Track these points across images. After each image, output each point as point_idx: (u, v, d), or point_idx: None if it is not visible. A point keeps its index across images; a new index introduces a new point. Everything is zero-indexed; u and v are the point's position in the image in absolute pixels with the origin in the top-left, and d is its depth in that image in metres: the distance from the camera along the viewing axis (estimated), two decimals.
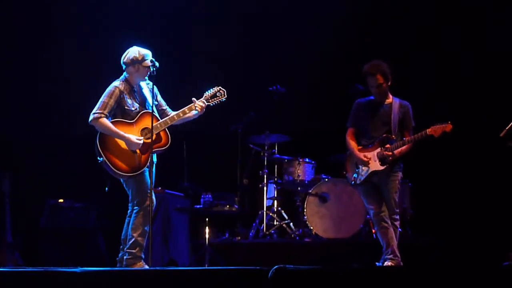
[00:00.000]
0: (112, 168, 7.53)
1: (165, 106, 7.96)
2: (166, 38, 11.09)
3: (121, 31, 10.73)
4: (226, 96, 7.91)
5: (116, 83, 7.74)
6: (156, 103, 7.84)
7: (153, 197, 7.66)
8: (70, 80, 11.10)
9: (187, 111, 7.78)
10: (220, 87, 7.92)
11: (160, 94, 7.92)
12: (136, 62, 7.71)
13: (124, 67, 7.81)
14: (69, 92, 11.05)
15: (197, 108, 7.77)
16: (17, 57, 11.20)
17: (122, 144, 7.59)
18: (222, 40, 11.64)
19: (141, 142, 7.56)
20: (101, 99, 7.64)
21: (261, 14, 11.44)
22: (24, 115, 11.22)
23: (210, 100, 7.87)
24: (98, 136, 7.58)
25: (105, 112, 7.57)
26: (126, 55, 7.78)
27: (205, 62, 11.59)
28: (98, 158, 7.57)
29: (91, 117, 7.57)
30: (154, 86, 7.79)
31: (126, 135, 7.55)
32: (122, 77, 7.81)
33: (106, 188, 7.71)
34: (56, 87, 11.16)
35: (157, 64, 7.63)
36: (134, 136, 7.58)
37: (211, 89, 7.91)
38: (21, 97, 11.24)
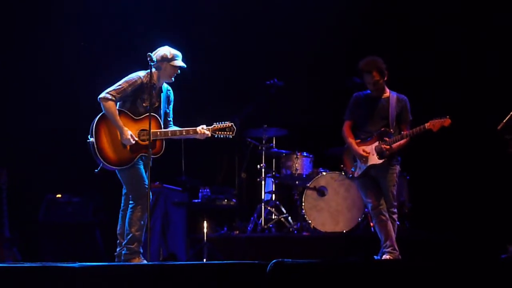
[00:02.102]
0: (97, 152, 7.48)
1: (171, 117, 7.95)
2: (163, 31, 11.05)
3: (118, 27, 10.74)
4: (234, 135, 7.87)
5: (142, 73, 7.67)
6: (166, 110, 7.85)
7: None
8: (68, 74, 11.07)
9: (191, 133, 7.76)
10: (232, 124, 7.86)
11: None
12: (165, 60, 7.66)
13: (154, 63, 7.69)
14: (68, 87, 11.03)
15: (199, 133, 7.74)
16: (14, 52, 11.16)
17: (116, 133, 7.55)
18: (219, 34, 11.62)
19: (133, 142, 7.52)
20: (120, 82, 7.59)
21: (259, 8, 11.42)
22: (22, 110, 11.19)
23: (217, 132, 7.83)
24: (99, 116, 7.56)
25: (118, 96, 7.52)
26: (156, 52, 7.71)
27: (203, 57, 11.56)
28: (89, 137, 7.54)
29: (103, 95, 7.51)
30: (171, 94, 7.86)
31: (125, 128, 7.52)
32: (148, 69, 7.65)
33: (96, 170, 7.65)
34: (54, 81, 11.15)
35: (154, 58, 7.58)
36: (131, 133, 7.55)
37: (223, 122, 7.85)
38: (18, 92, 11.21)
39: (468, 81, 10.94)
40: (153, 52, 7.71)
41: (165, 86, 7.85)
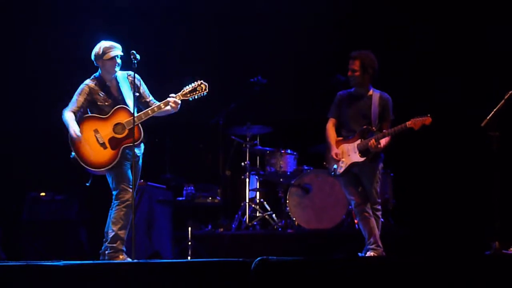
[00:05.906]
0: (82, 164, 7.56)
1: (149, 97, 7.85)
2: (146, 30, 11.04)
3: (99, 25, 10.70)
4: (207, 90, 7.70)
5: (87, 80, 7.75)
6: (137, 94, 7.73)
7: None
8: (50, 71, 11.03)
9: (162, 107, 7.64)
10: (202, 81, 7.71)
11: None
12: (98, 57, 7.67)
13: (95, 63, 7.76)
14: (49, 85, 10.98)
15: (171, 104, 7.63)
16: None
17: (92, 138, 7.58)
18: (203, 31, 11.60)
19: (79, 137, 7.50)
20: (73, 99, 7.69)
21: (243, 4, 11.40)
22: (4, 107, 11.13)
23: (188, 95, 7.68)
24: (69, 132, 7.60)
25: (73, 109, 7.61)
26: (92, 52, 7.74)
27: (186, 53, 11.56)
28: (72, 153, 7.60)
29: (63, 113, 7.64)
30: (137, 78, 7.71)
31: (71, 126, 7.52)
32: (96, 73, 7.79)
33: (88, 183, 7.70)
34: (35, 79, 11.11)
35: (138, 56, 7.51)
36: (78, 128, 7.52)
37: (191, 84, 7.72)
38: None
39: (450, 77, 10.96)
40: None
41: (120, 75, 7.79)
